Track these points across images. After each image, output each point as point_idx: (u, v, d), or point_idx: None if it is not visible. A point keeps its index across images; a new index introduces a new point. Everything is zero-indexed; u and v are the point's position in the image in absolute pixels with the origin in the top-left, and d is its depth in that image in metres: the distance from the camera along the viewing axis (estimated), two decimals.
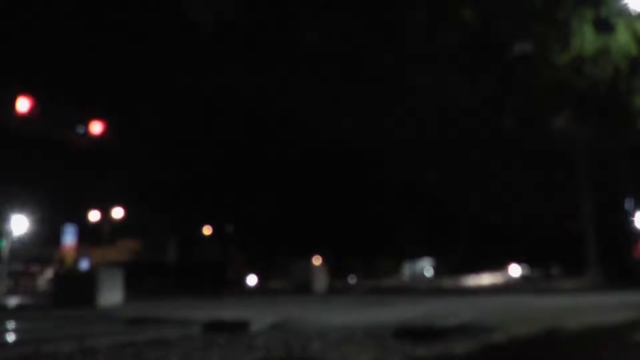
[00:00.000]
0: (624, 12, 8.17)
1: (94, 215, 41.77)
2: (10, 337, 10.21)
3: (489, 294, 24.24)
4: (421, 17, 8.69)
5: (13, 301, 23.95)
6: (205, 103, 36.36)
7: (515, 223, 38.41)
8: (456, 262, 48.81)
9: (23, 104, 19.84)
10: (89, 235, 39.06)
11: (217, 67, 30.67)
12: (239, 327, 9.90)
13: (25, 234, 34.32)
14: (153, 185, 39.11)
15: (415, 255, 51.44)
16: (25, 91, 20.24)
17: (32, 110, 20.00)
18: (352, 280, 48.50)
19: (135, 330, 10.23)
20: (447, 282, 41.21)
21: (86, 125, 22.11)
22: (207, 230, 47.20)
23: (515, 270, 53.18)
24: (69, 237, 34.29)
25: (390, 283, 47.43)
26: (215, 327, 10.00)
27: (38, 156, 30.64)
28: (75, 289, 20.23)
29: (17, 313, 17.53)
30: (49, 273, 33.53)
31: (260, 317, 11.19)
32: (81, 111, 22.45)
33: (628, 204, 30.82)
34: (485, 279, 44.81)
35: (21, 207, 32.65)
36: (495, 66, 9.12)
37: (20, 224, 32.74)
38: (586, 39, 8.14)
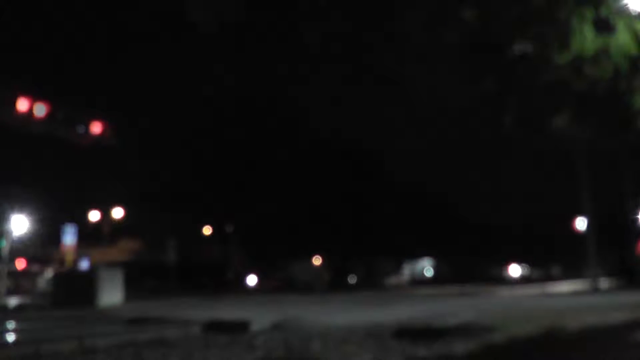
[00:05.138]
0: (624, 12, 8.15)
1: (94, 215, 41.74)
2: (10, 337, 10.21)
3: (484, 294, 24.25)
4: (421, 17, 8.68)
5: (13, 301, 23.95)
6: (206, 103, 36.36)
7: (516, 223, 38.40)
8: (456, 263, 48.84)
9: (23, 104, 19.85)
10: (89, 235, 39.02)
11: (217, 67, 30.67)
12: (239, 327, 9.89)
13: (25, 234, 34.30)
14: (153, 185, 39.11)
15: (415, 255, 51.41)
16: (26, 92, 20.25)
17: (33, 110, 20.00)
18: (352, 280, 48.49)
19: (135, 330, 10.23)
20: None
21: (87, 125, 22.10)
22: (207, 230, 47.18)
23: (515, 270, 53.15)
24: (69, 237, 34.25)
25: (390, 283, 47.45)
26: (215, 327, 9.99)
27: (38, 156, 30.64)
28: (75, 289, 20.25)
29: (17, 313, 17.53)
30: (49, 273, 33.53)
31: (260, 317, 11.19)
32: (82, 111, 22.44)
33: (628, 203, 30.80)
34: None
35: (21, 207, 32.63)
36: (495, 66, 9.09)
37: (20, 224, 32.72)
38: (586, 39, 8.12)
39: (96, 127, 22.16)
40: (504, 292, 26.99)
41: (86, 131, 22.16)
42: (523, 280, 48.01)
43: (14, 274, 35.62)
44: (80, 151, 25.37)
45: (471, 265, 47.56)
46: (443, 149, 34.16)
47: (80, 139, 22.57)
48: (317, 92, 28.30)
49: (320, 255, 47.06)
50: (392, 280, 48.25)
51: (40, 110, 20.16)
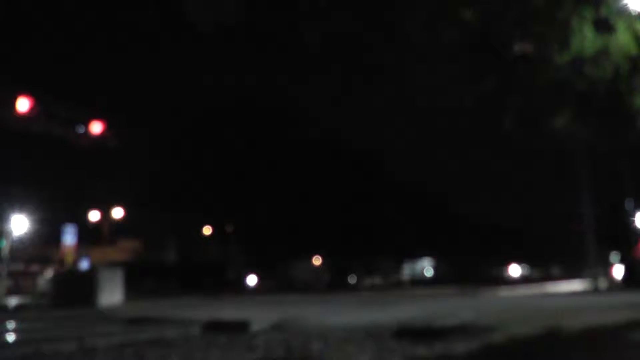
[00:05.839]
0: (624, 12, 8.16)
1: (94, 215, 41.74)
2: (10, 337, 10.20)
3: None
4: (421, 17, 8.69)
5: (13, 301, 23.95)
6: (206, 103, 36.36)
7: (516, 223, 38.40)
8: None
9: (23, 104, 19.84)
10: (89, 235, 39.00)
11: (217, 67, 30.68)
12: (239, 327, 9.89)
13: (25, 234, 34.27)
14: (153, 185, 39.10)
15: (415, 255, 51.41)
16: (25, 91, 20.24)
17: (32, 110, 20.00)
18: (352, 280, 48.48)
19: (135, 330, 10.22)
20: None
21: (86, 125, 22.09)
22: (207, 230, 47.18)
23: (515, 270, 53.17)
24: (69, 237, 34.19)
25: (390, 283, 47.42)
26: (215, 327, 9.98)
27: (38, 156, 30.62)
28: (75, 289, 20.24)
29: (17, 313, 17.52)
30: (49, 273, 33.51)
31: (260, 317, 11.18)
32: (82, 111, 22.44)
33: (628, 204, 30.79)
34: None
35: (21, 207, 32.61)
36: (495, 66, 9.11)
37: (20, 224, 32.69)
38: (586, 39, 8.13)
39: (96, 127, 22.15)
40: (504, 292, 26.99)
41: (86, 131, 22.16)
42: (523, 280, 48.00)
43: (14, 274, 35.59)
44: (80, 151, 25.36)
45: (471, 265, 47.53)
46: (443, 149, 34.17)
47: (80, 139, 22.56)
48: (317, 92, 28.32)
49: (320, 255, 47.07)
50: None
51: (39, 109, 20.15)
